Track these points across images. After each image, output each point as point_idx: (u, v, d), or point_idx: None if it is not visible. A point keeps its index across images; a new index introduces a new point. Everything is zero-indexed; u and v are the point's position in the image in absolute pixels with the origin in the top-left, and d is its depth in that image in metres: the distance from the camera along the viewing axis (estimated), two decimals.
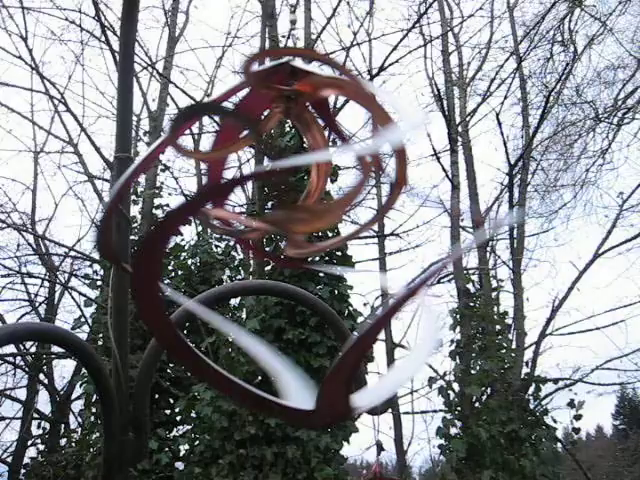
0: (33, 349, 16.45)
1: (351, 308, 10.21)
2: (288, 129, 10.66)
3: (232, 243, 12.58)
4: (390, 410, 13.31)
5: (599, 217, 16.69)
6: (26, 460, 14.13)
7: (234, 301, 11.16)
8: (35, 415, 15.91)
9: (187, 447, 10.13)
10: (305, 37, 13.04)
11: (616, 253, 15.83)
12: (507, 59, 16.55)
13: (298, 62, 1.61)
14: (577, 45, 16.60)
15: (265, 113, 1.68)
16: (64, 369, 17.54)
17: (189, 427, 10.39)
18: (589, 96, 16.73)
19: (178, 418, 10.97)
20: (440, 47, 16.25)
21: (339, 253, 10.41)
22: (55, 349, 15.31)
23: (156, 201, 12.59)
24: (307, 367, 9.15)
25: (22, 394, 16.50)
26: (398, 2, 27.04)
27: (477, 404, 11.64)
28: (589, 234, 27.75)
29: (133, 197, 12.04)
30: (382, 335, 14.85)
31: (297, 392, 1.39)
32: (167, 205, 12.60)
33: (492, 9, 16.81)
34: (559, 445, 12.91)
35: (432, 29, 16.70)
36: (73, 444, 11.94)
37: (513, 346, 13.02)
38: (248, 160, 16.13)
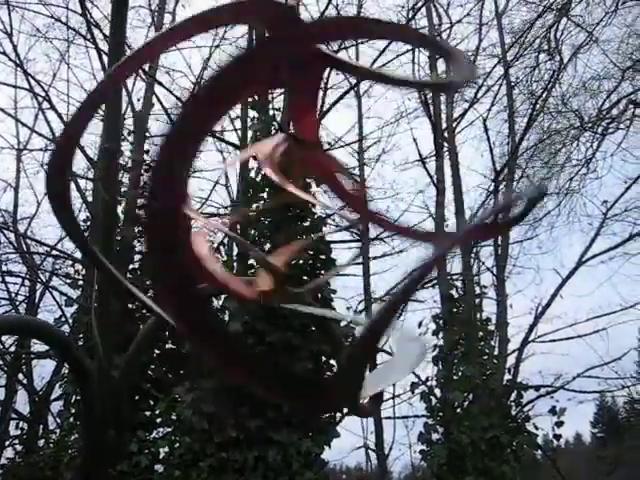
0: (12, 348, 16.28)
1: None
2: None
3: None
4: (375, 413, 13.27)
5: (583, 225, 16.79)
6: (3, 461, 13.97)
7: (216, 303, 11.08)
8: (13, 415, 15.74)
9: (167, 449, 10.04)
10: None
11: (599, 261, 15.94)
12: (494, 66, 16.62)
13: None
14: (563, 54, 16.74)
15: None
16: (43, 369, 17.34)
17: (169, 429, 10.30)
18: (574, 105, 16.85)
19: (158, 420, 10.86)
20: (428, 52, 16.28)
21: (323, 257, 10.36)
22: (35, 349, 15.17)
23: (140, 201, 12.48)
24: (290, 370, 9.08)
25: (0, 394, 16.33)
26: (386, 6, 27.10)
27: (459, 410, 11.64)
28: (573, 242, 27.84)
29: None
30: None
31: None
32: None
33: (481, 16, 16.89)
34: (539, 452, 12.96)
35: None
36: (51, 445, 11.81)
37: (496, 352, 13.06)
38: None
